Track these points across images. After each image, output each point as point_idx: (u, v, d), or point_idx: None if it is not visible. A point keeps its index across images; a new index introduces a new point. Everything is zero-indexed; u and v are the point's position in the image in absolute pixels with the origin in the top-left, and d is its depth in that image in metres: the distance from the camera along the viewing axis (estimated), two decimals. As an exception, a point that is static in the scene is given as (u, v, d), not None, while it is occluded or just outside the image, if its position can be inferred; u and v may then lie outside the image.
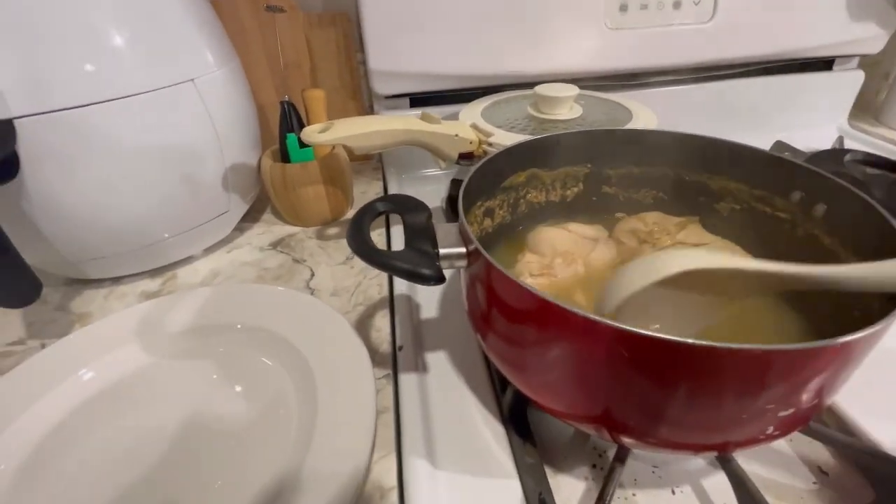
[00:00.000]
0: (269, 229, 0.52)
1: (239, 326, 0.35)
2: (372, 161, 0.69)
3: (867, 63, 0.68)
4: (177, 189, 0.40)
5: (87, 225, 0.37)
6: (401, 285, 0.43)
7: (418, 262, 0.24)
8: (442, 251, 0.25)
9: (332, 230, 0.52)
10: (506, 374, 0.27)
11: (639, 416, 0.22)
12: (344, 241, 0.50)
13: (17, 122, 0.32)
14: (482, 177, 0.33)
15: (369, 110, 0.67)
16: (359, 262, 0.46)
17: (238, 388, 0.32)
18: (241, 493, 0.26)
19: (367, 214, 0.27)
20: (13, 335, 0.39)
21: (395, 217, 0.52)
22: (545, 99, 0.46)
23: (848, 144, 0.64)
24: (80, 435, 0.30)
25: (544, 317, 0.20)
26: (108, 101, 0.34)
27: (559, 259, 0.32)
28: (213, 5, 0.46)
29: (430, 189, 0.60)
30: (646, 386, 0.20)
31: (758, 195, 0.34)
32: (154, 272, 0.45)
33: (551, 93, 0.45)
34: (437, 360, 0.35)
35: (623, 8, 0.56)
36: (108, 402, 0.32)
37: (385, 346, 0.36)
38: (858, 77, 0.68)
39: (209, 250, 0.48)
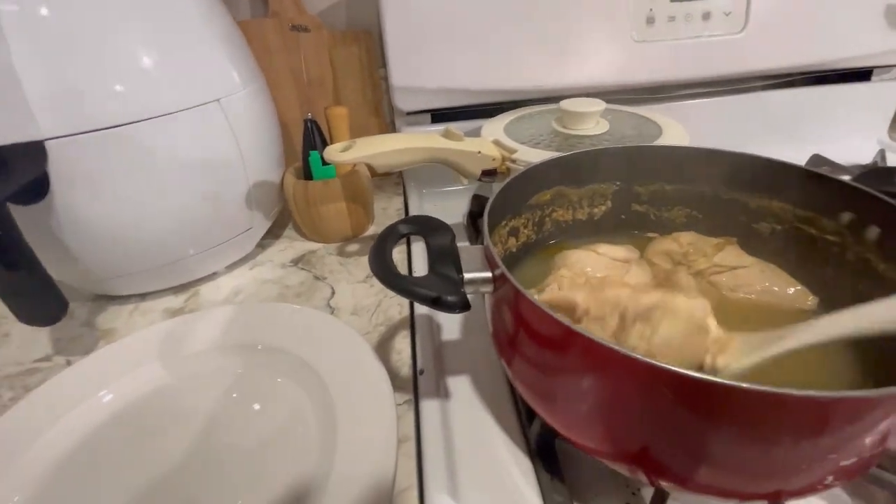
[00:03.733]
0: (290, 245, 0.52)
1: (260, 347, 0.35)
2: (392, 176, 0.68)
3: (909, 73, 0.65)
4: (202, 206, 0.40)
5: (115, 242, 0.37)
6: (421, 306, 0.42)
7: (443, 289, 0.23)
8: (467, 276, 0.24)
9: (353, 247, 0.52)
10: (533, 406, 0.26)
11: (682, 459, 0.20)
12: (364, 259, 0.49)
13: (47, 144, 0.32)
14: (507, 195, 0.32)
15: (391, 126, 0.66)
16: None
17: (257, 408, 0.32)
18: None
19: (390, 238, 0.26)
20: (40, 351, 0.39)
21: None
22: (571, 114, 0.45)
23: (890, 158, 0.61)
24: (102, 454, 0.29)
25: (582, 353, 0.19)
26: (137, 121, 0.34)
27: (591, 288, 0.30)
28: (239, 25, 0.46)
29: (451, 204, 0.59)
30: (693, 429, 0.19)
31: (802, 215, 0.32)
32: (178, 289, 0.45)
33: (577, 108, 0.44)
34: (460, 386, 0.34)
35: (650, 20, 0.55)
36: (130, 421, 0.31)
37: (406, 369, 0.35)
38: (900, 88, 0.64)
39: (232, 267, 0.48)
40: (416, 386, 0.34)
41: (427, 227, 0.27)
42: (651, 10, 0.54)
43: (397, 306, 0.42)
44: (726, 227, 0.36)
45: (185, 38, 0.37)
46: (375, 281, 0.46)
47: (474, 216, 0.53)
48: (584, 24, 0.53)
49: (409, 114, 0.59)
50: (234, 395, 0.33)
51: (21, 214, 0.32)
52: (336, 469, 0.26)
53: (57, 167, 0.33)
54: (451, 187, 0.63)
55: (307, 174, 0.50)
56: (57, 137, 0.32)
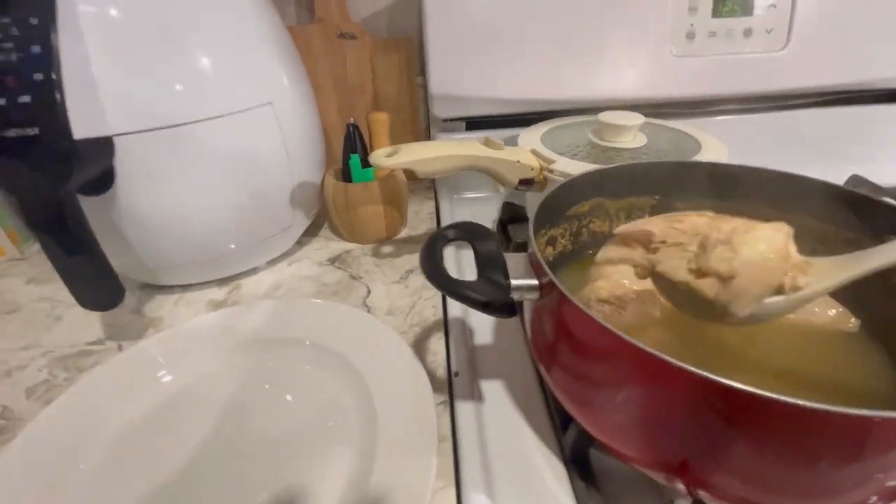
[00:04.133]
0: (326, 245, 0.54)
1: (307, 342, 0.36)
2: (424, 181, 0.70)
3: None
4: (249, 203, 0.42)
5: (167, 235, 0.39)
6: (455, 308, 0.43)
7: (492, 294, 0.24)
8: (513, 282, 0.25)
9: (387, 248, 0.53)
10: (573, 413, 0.26)
11: (725, 472, 0.20)
12: (399, 260, 0.51)
13: (115, 139, 0.34)
14: (550, 204, 0.33)
15: (425, 132, 0.68)
16: (413, 282, 0.47)
17: (294, 400, 0.33)
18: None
19: (439, 242, 0.27)
20: (92, 335, 0.41)
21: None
22: (609, 127, 0.45)
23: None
24: (157, 432, 0.31)
25: (634, 363, 0.20)
26: (196, 121, 0.36)
27: (632, 295, 0.31)
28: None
29: (481, 210, 0.60)
30: (739, 443, 0.19)
31: (844, 237, 0.32)
32: (220, 281, 0.47)
33: (616, 121, 0.45)
34: (493, 390, 0.35)
35: (690, 35, 0.55)
36: (179, 407, 0.33)
37: (441, 370, 0.36)
38: (944, 109, 0.63)
39: (271, 263, 0.50)
40: (450, 387, 0.35)
41: (473, 233, 0.28)
42: (692, 25, 0.54)
43: (431, 308, 0.43)
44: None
45: (242, 43, 0.39)
46: (410, 282, 0.47)
47: (504, 223, 0.54)
48: (623, 37, 0.54)
49: (444, 121, 0.60)
50: (274, 388, 0.34)
51: (86, 205, 0.34)
52: (378, 463, 0.27)
53: (122, 161, 0.35)
54: (480, 194, 0.64)
55: (345, 176, 0.52)
56: (124, 134, 0.34)
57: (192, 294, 0.46)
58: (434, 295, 0.45)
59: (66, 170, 0.31)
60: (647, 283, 0.32)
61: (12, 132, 0.30)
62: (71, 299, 0.46)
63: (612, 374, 0.21)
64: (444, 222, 0.58)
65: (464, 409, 0.33)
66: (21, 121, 0.30)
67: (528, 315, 0.30)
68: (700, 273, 0.23)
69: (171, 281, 0.45)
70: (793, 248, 0.23)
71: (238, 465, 0.29)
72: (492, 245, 0.27)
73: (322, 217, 0.58)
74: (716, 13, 0.55)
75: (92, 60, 0.33)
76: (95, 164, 0.33)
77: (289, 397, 0.33)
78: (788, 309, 0.24)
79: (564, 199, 0.35)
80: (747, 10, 0.55)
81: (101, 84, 0.33)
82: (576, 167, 0.42)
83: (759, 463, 0.19)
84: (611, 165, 0.35)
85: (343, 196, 0.50)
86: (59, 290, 0.48)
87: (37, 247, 0.57)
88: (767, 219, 0.33)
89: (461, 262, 0.49)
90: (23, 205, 0.32)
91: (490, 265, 0.26)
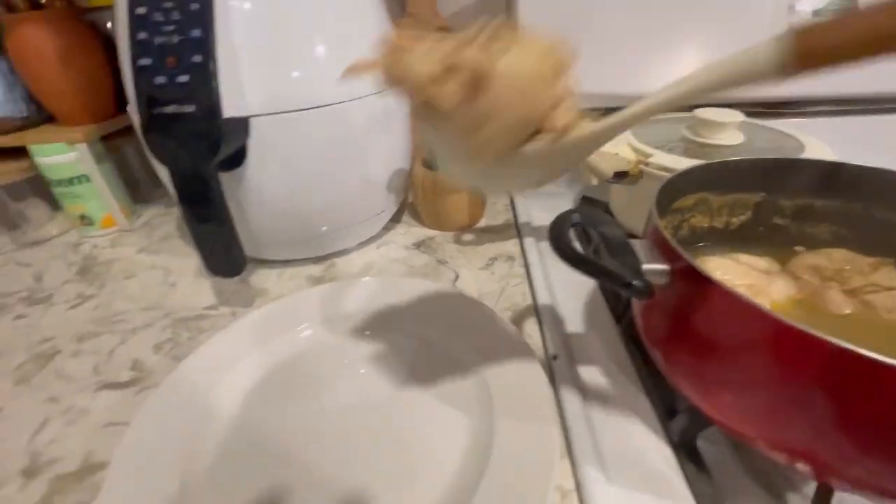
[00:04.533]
0: (409, 230, 0.56)
1: (410, 316, 0.38)
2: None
3: None
4: (355, 187, 0.44)
5: (282, 212, 0.42)
6: (543, 295, 0.44)
7: (631, 275, 0.25)
8: (645, 267, 0.26)
9: (468, 236, 0.54)
10: (693, 397, 0.27)
11: (860, 455, 0.21)
12: (481, 248, 0.52)
13: (250, 120, 0.37)
14: (660, 197, 0.33)
15: (502, 125, 0.69)
16: (499, 269, 0.48)
17: (404, 372, 0.35)
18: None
19: (565, 223, 0.28)
20: (207, 301, 0.45)
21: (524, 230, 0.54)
22: (706, 123, 0.45)
23: None
24: (269, 406, 0.33)
25: (788, 346, 0.20)
26: (320, 106, 0.39)
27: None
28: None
29: (555, 204, 0.61)
30: (882, 424, 0.19)
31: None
32: (316, 259, 0.50)
33: (714, 117, 0.44)
34: (592, 376, 0.35)
35: (788, 34, 0.53)
36: (302, 369, 0.35)
37: (538, 353, 0.37)
38: None
39: (361, 245, 0.52)
40: (551, 370, 0.36)
41: (597, 220, 0.29)
42: (791, 24, 0.53)
43: (520, 294, 0.44)
44: (876, 247, 0.35)
45: (360, 35, 0.41)
46: (496, 269, 0.49)
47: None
48: (718, 34, 0.53)
49: (525, 114, 0.61)
50: (387, 359, 0.36)
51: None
52: (497, 435, 0.28)
53: (253, 141, 0.38)
54: (552, 188, 0.65)
55: (429, 165, 0.53)
56: (258, 115, 0.37)
57: (291, 269, 0.49)
58: (521, 282, 0.46)
59: (214, 146, 0.34)
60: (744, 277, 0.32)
61: (170, 108, 0.33)
62: (182, 268, 0.51)
63: (757, 355, 0.22)
64: (521, 215, 0.59)
65: (567, 390, 0.34)
66: (179, 98, 0.33)
67: (640, 303, 0.31)
68: (449, 70, 0.18)
69: (274, 256, 0.48)
70: (568, 82, 0.19)
71: (357, 428, 0.31)
72: (619, 231, 0.28)
73: (403, 204, 0.60)
74: (817, 13, 0.53)
75: (237, 47, 0.35)
76: (235, 143, 0.36)
77: (399, 367, 0.35)
78: (549, 156, 0.20)
79: (671, 193, 0.36)
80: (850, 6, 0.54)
81: (242, 69, 0.36)
82: (673, 161, 0.42)
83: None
84: (719, 160, 0.36)
85: (431, 184, 0.51)
86: (170, 260, 0.53)
87: (144, 219, 0.62)
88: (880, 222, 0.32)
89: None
90: (172, 175, 0.35)
91: (621, 250, 0.27)
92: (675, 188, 0.35)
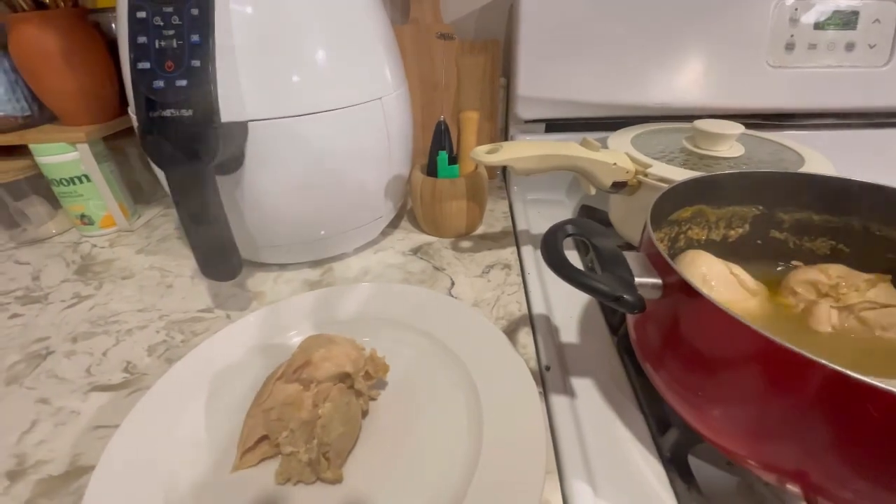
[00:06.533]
0: (407, 236, 0.56)
1: (404, 323, 0.38)
2: (495, 181, 0.71)
3: None
4: (352, 191, 0.44)
5: (279, 216, 0.42)
6: (539, 304, 0.43)
7: (621, 289, 0.25)
8: (637, 280, 0.26)
9: (466, 243, 0.54)
10: (683, 412, 0.27)
11: (850, 477, 0.20)
12: (478, 256, 0.52)
13: (249, 125, 0.37)
14: (657, 208, 0.33)
15: (503, 132, 0.69)
16: (496, 277, 0.48)
17: (403, 380, 0.35)
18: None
19: (559, 234, 0.28)
20: (203, 304, 0.45)
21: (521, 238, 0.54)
22: (706, 134, 0.45)
23: None
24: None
25: (774, 363, 0.20)
26: (317, 112, 0.39)
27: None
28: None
29: (554, 213, 0.61)
30: (873, 446, 0.19)
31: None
32: (313, 263, 0.50)
33: (714, 129, 0.44)
34: (584, 387, 0.35)
35: (789, 47, 0.53)
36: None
37: (531, 363, 0.37)
38: None
39: (358, 250, 0.52)
40: (543, 381, 0.36)
41: (591, 230, 0.29)
42: (792, 35, 0.53)
43: (516, 303, 0.44)
44: (873, 263, 0.35)
45: (359, 42, 0.42)
46: (492, 276, 0.49)
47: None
48: (718, 46, 0.53)
49: (525, 122, 0.61)
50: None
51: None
52: (484, 444, 0.28)
53: (251, 145, 0.38)
54: (552, 196, 0.65)
55: (430, 171, 0.53)
56: (256, 120, 0.37)
57: (288, 273, 0.49)
58: (517, 290, 0.46)
59: (212, 150, 0.34)
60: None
61: (168, 112, 0.33)
62: (179, 269, 0.51)
63: (747, 373, 0.22)
64: (519, 222, 0.59)
65: (558, 402, 0.34)
66: (177, 102, 0.33)
67: (633, 316, 0.30)
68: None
69: (271, 259, 0.48)
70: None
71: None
72: (612, 243, 0.28)
73: (402, 209, 0.60)
74: (818, 25, 0.53)
75: (237, 52, 0.35)
76: (233, 147, 0.36)
77: (391, 374, 0.35)
78: None
79: (668, 205, 0.36)
80: (851, 24, 0.54)
81: (241, 74, 0.36)
82: (673, 172, 0.42)
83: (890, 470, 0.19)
84: (719, 172, 0.35)
85: (431, 190, 0.51)
86: (168, 261, 0.53)
87: (143, 220, 0.62)
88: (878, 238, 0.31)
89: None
90: (168, 178, 0.35)
91: (613, 262, 0.27)
92: (671, 200, 0.35)
